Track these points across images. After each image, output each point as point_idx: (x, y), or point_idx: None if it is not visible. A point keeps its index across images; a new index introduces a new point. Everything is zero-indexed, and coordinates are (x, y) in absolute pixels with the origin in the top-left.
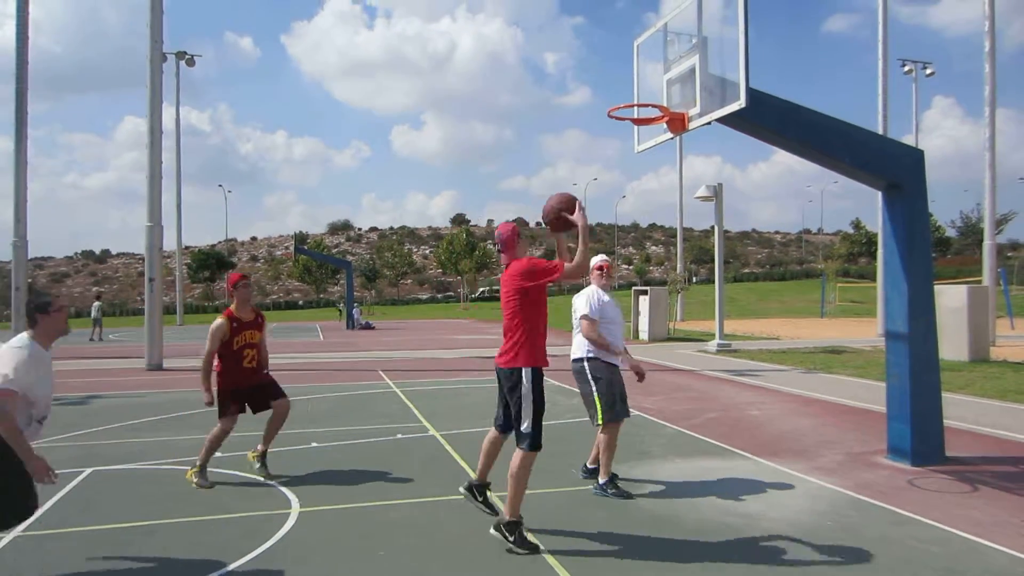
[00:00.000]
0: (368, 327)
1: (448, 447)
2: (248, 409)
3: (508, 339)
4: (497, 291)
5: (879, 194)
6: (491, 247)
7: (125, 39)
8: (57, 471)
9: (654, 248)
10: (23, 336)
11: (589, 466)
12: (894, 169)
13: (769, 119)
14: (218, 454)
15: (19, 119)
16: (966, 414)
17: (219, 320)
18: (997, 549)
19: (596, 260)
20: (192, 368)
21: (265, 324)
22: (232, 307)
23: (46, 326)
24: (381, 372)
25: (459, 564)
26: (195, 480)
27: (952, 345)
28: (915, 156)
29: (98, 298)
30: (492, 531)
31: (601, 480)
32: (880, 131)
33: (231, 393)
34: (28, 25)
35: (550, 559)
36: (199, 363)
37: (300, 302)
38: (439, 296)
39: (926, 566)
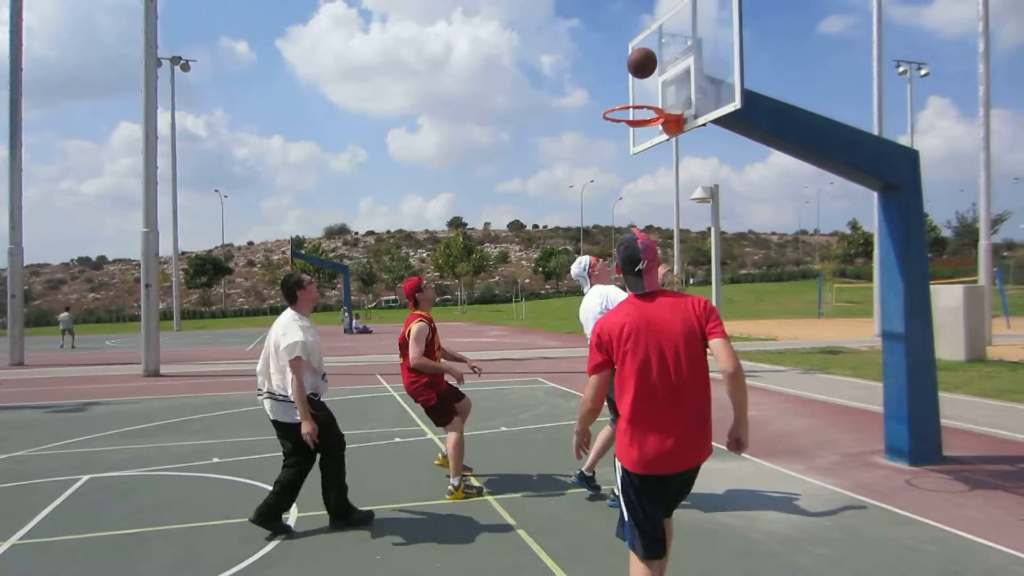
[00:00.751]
0: (365, 331)
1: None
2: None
3: (700, 418)
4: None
5: (875, 194)
6: (488, 250)
7: (120, 45)
8: (53, 479)
9: None
10: (291, 311)
11: (587, 473)
12: (890, 169)
13: (764, 120)
14: (214, 460)
15: (13, 126)
16: (963, 413)
17: (421, 323)
18: (994, 548)
19: (587, 259)
20: (189, 374)
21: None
22: (420, 310)
23: (304, 299)
24: (379, 376)
25: (457, 568)
26: (470, 493)
27: (949, 345)
28: (911, 156)
29: (67, 309)
30: None
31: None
32: (875, 132)
33: (445, 395)
34: (22, 31)
35: (549, 561)
36: (196, 369)
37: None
38: (437, 299)
39: (924, 566)
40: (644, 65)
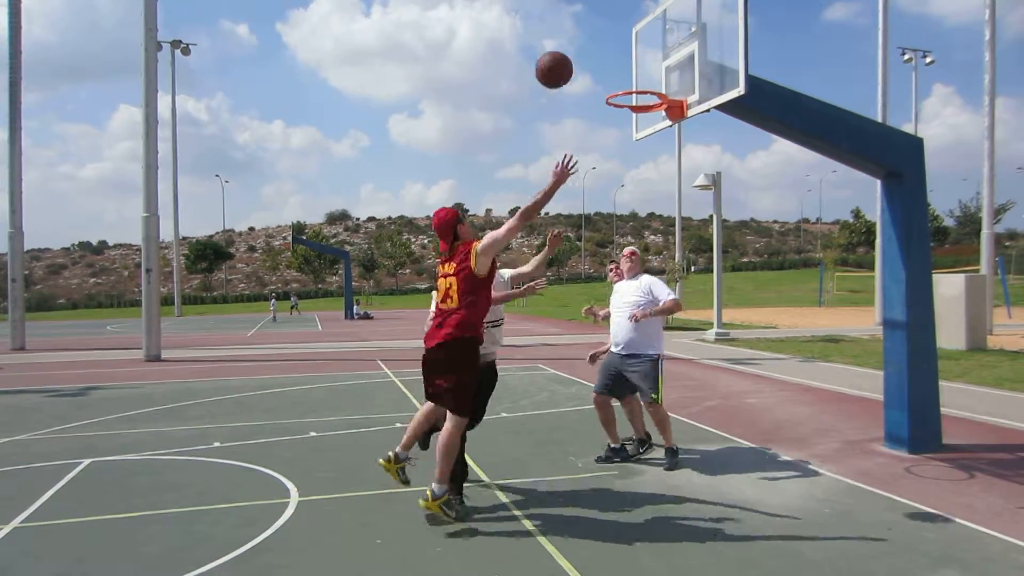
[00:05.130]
0: (367, 317)
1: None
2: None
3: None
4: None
5: (879, 183)
6: None
7: (120, 28)
8: (54, 463)
9: (653, 237)
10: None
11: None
12: (894, 157)
13: (768, 106)
14: (215, 444)
15: (13, 109)
16: (963, 402)
17: None
18: (992, 535)
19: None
20: (190, 359)
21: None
22: None
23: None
24: (379, 361)
25: (457, 552)
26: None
27: (949, 334)
28: (915, 144)
29: None
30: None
31: (674, 445)
32: (879, 119)
33: None
34: (20, 14)
35: (548, 545)
36: (197, 354)
37: (324, 293)
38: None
39: (922, 552)
40: (554, 72)
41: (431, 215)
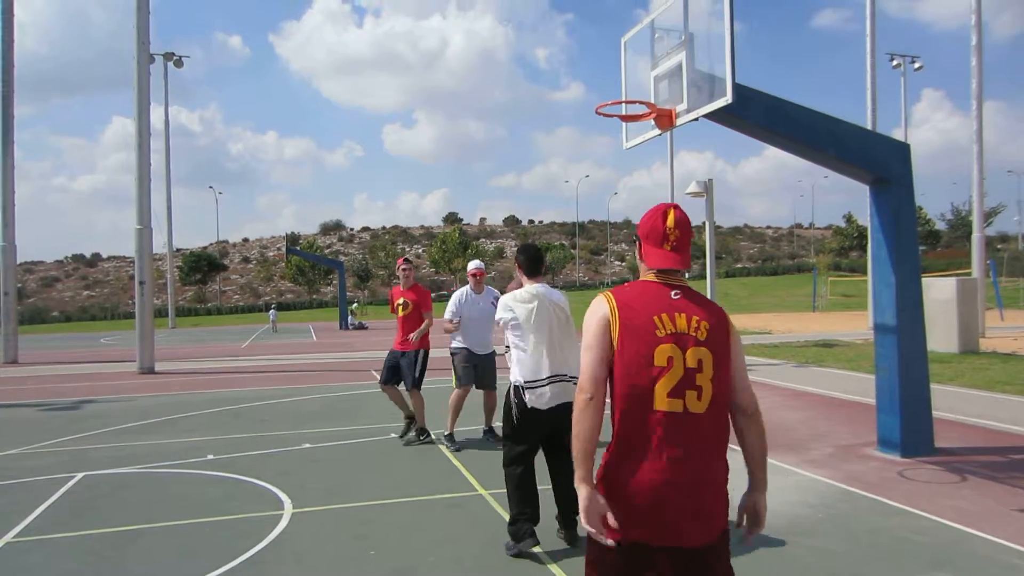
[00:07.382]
0: (361, 327)
1: (441, 446)
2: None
3: None
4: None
5: (868, 188)
6: (484, 245)
7: (113, 40)
8: (47, 476)
9: None
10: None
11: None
12: (881, 163)
13: (756, 115)
14: (209, 456)
15: (5, 122)
16: (955, 405)
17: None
18: (984, 538)
19: (472, 266)
20: (184, 371)
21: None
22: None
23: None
24: (374, 372)
25: (451, 563)
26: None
27: (941, 337)
28: (902, 150)
29: None
30: None
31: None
32: (869, 125)
33: None
34: (13, 27)
35: (538, 551)
36: (191, 366)
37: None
38: (433, 295)
39: (914, 556)
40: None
41: (424, 225)
